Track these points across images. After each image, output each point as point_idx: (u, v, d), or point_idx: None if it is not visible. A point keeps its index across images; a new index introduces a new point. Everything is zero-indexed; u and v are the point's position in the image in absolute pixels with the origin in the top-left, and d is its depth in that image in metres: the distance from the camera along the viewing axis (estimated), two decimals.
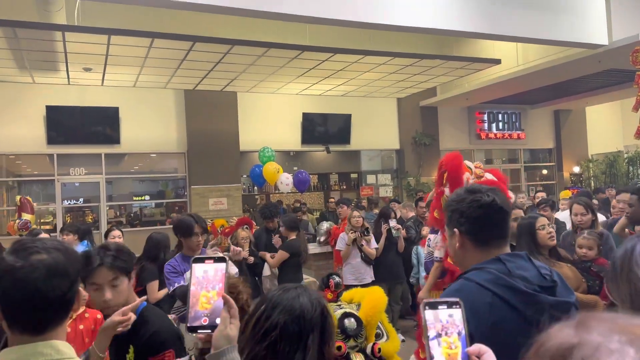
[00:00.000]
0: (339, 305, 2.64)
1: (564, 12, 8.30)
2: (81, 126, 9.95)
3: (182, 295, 3.36)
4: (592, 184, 14.30)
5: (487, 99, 12.99)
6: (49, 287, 1.13)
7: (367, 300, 2.58)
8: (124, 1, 6.48)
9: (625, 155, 14.23)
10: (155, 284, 4.62)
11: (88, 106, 9.97)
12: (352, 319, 2.45)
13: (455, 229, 1.64)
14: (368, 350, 2.48)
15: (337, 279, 2.73)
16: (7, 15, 6.98)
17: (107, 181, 10.71)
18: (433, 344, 1.01)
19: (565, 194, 9.27)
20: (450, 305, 1.06)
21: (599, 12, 8.69)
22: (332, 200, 11.96)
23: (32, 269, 1.13)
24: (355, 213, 6.05)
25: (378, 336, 2.56)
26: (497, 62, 10.32)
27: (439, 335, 1.02)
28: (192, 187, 10.93)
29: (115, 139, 10.27)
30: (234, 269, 3.25)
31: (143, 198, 11.68)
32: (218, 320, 1.16)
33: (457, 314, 1.05)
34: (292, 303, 1.37)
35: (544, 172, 15.75)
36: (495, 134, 14.34)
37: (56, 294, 1.14)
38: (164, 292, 4.63)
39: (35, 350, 1.13)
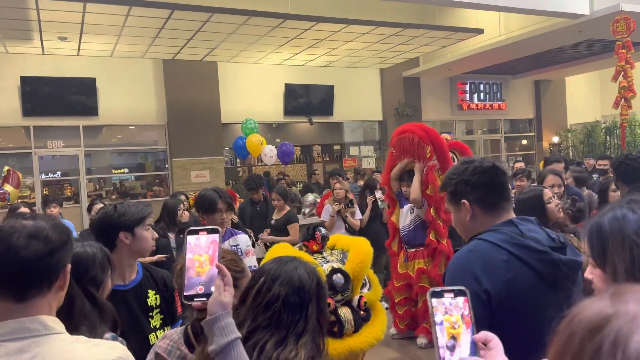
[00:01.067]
0: (324, 257, 2.67)
1: None
2: (58, 97, 9.70)
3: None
4: (571, 154, 14.54)
5: (469, 69, 13.01)
6: (23, 247, 1.13)
7: (353, 254, 2.61)
8: None
9: (603, 125, 14.46)
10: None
11: (64, 77, 9.71)
12: (340, 274, 2.49)
13: (464, 200, 1.66)
14: (354, 303, 2.53)
15: (323, 231, 2.74)
16: None
17: (86, 154, 10.53)
18: (439, 329, 1.02)
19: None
20: (456, 293, 1.06)
21: None
22: (316, 172, 12.00)
23: (13, 230, 1.15)
24: (337, 185, 6.09)
25: (363, 286, 2.61)
26: (480, 31, 10.30)
27: (445, 321, 1.03)
28: (174, 159, 10.81)
29: (93, 111, 10.05)
30: (252, 261, 3.16)
31: (122, 171, 11.53)
32: (213, 289, 1.20)
33: (463, 301, 1.06)
34: (291, 275, 1.40)
35: (524, 142, 15.95)
36: (477, 105, 14.42)
37: (30, 255, 1.13)
38: (147, 259, 4.71)
39: (22, 326, 1.13)
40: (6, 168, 8.53)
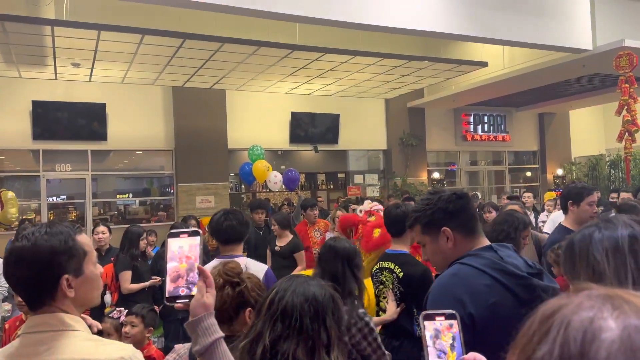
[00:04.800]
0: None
1: (549, 16, 8.46)
2: (67, 122, 9.86)
3: None
4: None
5: (474, 101, 13.16)
6: (12, 274, 1.30)
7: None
8: None
9: (607, 159, 14.51)
10: (126, 273, 4.76)
11: (75, 102, 9.88)
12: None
13: (445, 228, 1.66)
14: None
15: None
16: None
17: (93, 178, 10.61)
18: (431, 350, 1.08)
19: (550, 195, 9.45)
20: (447, 316, 1.12)
21: (584, 18, 8.88)
22: (320, 199, 12.02)
23: (7, 256, 1.31)
24: (339, 213, 6.11)
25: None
26: (484, 64, 10.47)
27: (437, 343, 1.09)
28: (179, 184, 10.89)
29: (102, 136, 10.19)
30: (258, 265, 2.90)
31: (127, 196, 11.60)
32: (195, 290, 1.21)
33: (454, 323, 1.12)
34: (304, 287, 1.42)
35: (528, 174, 15.99)
36: (481, 136, 14.52)
37: (18, 280, 1.30)
38: (138, 286, 4.79)
39: (43, 321, 1.28)
40: None
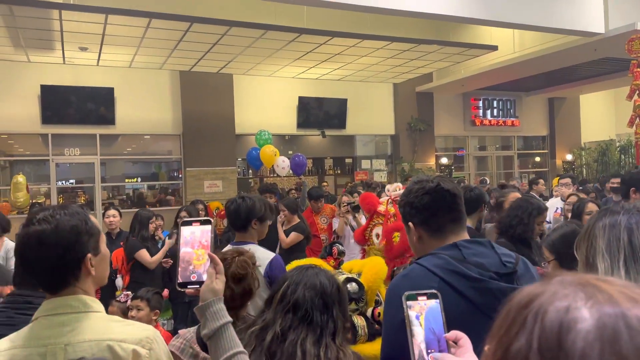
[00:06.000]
0: (341, 272, 2.71)
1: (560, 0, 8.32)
2: (76, 106, 9.89)
3: None
4: (584, 172, 14.44)
5: (483, 86, 13.03)
6: (33, 255, 1.28)
7: (368, 266, 2.66)
8: None
9: (618, 144, 14.37)
10: (143, 251, 4.79)
11: (83, 86, 9.90)
12: (354, 284, 2.54)
13: (410, 223, 1.61)
14: (368, 314, 2.57)
15: (340, 247, 2.81)
16: None
17: (102, 162, 10.68)
18: (414, 329, 1.10)
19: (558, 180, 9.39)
20: (429, 296, 1.15)
21: (596, 1, 8.72)
22: (325, 184, 12.02)
23: (23, 240, 1.30)
24: (345, 198, 6.11)
25: (377, 303, 2.65)
26: (494, 48, 10.34)
27: (419, 320, 1.12)
28: (187, 169, 10.93)
29: (110, 120, 10.22)
30: (265, 253, 2.83)
31: (135, 180, 11.67)
32: (205, 276, 1.26)
33: (436, 303, 1.14)
34: (313, 280, 1.51)
35: (537, 159, 15.88)
36: (490, 121, 14.42)
37: (41, 261, 1.28)
38: (160, 255, 4.86)
39: (65, 303, 1.29)
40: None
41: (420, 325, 1.10)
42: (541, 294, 0.55)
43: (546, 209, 3.23)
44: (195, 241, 1.27)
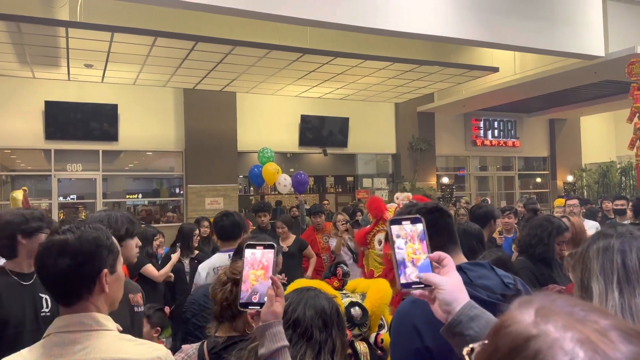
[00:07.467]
0: (345, 293, 2.69)
1: (561, 23, 8.43)
2: (79, 122, 9.96)
3: None
4: (585, 193, 14.44)
5: (484, 107, 13.12)
6: (52, 265, 1.28)
7: (373, 290, 2.62)
8: None
9: (618, 166, 14.40)
10: (149, 266, 4.78)
11: (87, 102, 9.98)
12: (358, 308, 2.51)
13: None
14: (371, 340, 2.53)
15: (345, 268, 2.79)
16: (11, 10, 6.99)
17: (103, 178, 10.71)
18: (399, 251, 1.13)
19: (559, 202, 9.39)
20: (413, 221, 1.17)
21: (596, 24, 8.83)
22: (326, 202, 12.03)
23: (45, 248, 1.30)
24: (340, 217, 6.12)
25: (380, 327, 2.61)
26: (495, 70, 10.44)
27: (404, 243, 1.14)
28: (189, 186, 10.95)
29: (113, 136, 10.27)
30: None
31: (136, 196, 11.68)
32: (266, 299, 1.32)
33: (419, 227, 1.16)
34: (314, 301, 1.56)
35: (538, 180, 15.90)
36: (491, 141, 14.48)
37: (59, 272, 1.27)
38: (167, 268, 4.86)
39: (77, 320, 1.28)
40: (24, 188, 8.72)
41: (405, 247, 1.13)
42: (535, 338, 0.54)
43: (567, 228, 3.19)
44: (257, 264, 1.34)
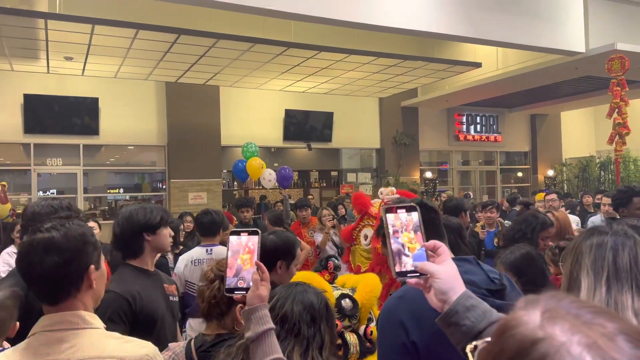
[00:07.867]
0: (335, 287, 2.71)
1: (543, 19, 8.52)
2: (60, 116, 9.79)
3: None
4: (565, 187, 14.67)
5: (467, 102, 13.23)
6: (39, 262, 1.25)
7: (363, 284, 2.65)
8: None
9: (597, 160, 14.64)
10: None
11: (67, 95, 9.81)
12: (349, 300, 2.53)
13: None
14: (361, 332, 2.56)
15: (336, 262, 2.82)
16: None
17: (84, 172, 10.55)
18: (394, 240, 1.12)
19: (539, 196, 9.53)
20: (408, 209, 1.16)
21: (577, 21, 8.95)
22: (310, 197, 12.03)
23: (30, 246, 1.27)
24: (325, 212, 6.13)
25: (369, 320, 2.64)
26: (478, 65, 10.52)
27: (399, 232, 1.13)
28: (172, 180, 10.85)
29: (94, 130, 10.12)
30: None
31: (117, 191, 11.54)
32: (251, 283, 1.32)
33: (414, 215, 1.15)
34: (303, 296, 1.54)
35: (519, 174, 16.10)
36: (473, 136, 14.61)
37: (46, 269, 1.24)
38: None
39: (64, 319, 1.27)
40: (2, 183, 8.54)
41: (401, 236, 1.12)
42: (542, 342, 0.53)
43: (552, 224, 3.22)
44: (242, 250, 1.35)
